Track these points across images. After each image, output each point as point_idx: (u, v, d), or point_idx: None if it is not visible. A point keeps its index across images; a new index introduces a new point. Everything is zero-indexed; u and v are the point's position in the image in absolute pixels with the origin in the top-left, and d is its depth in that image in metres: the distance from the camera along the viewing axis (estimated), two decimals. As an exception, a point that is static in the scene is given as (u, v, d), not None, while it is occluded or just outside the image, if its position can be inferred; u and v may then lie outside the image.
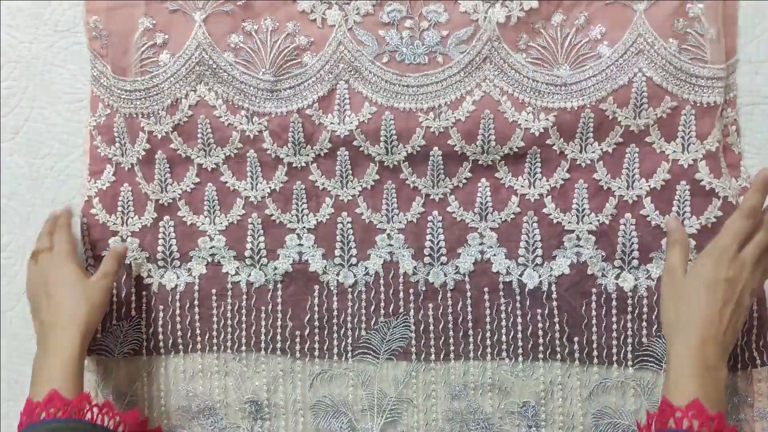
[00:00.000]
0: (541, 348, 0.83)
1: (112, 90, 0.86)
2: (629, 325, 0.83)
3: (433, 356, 0.85)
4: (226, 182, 0.87)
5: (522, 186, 0.84)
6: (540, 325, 0.84)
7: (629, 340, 0.82)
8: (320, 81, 0.84)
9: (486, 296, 0.84)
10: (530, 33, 0.83)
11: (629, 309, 0.83)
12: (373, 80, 0.84)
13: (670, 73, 0.81)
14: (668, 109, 0.81)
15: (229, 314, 0.87)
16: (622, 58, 0.81)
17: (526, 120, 0.82)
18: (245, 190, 0.87)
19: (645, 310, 0.82)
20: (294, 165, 0.86)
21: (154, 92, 0.85)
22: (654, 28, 0.81)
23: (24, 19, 0.90)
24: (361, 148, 0.84)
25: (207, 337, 0.87)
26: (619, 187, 0.83)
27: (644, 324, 0.82)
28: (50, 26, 0.90)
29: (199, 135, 0.86)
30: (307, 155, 0.85)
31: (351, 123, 0.84)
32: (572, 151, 0.83)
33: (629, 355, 0.82)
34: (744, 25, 0.84)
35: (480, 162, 0.84)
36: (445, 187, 0.85)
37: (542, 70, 0.82)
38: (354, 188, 0.86)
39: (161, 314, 0.87)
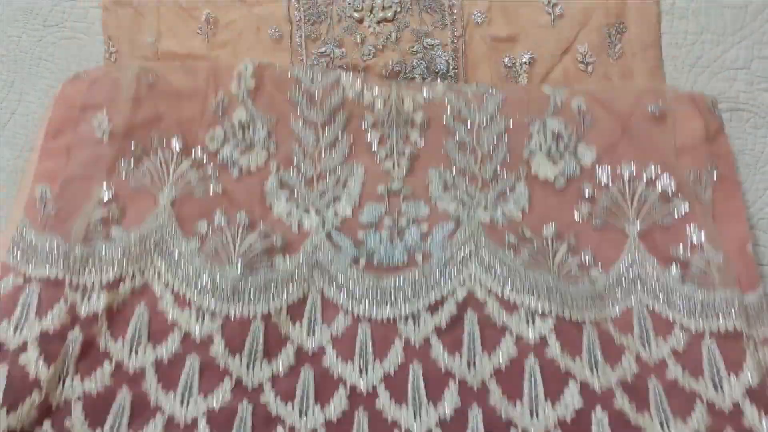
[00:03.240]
0: None
1: (36, 249, 0.72)
2: None
3: None
4: (147, 392, 0.70)
5: (524, 418, 0.68)
6: None
7: None
8: (291, 286, 0.74)
9: None
10: (517, 235, 0.75)
11: None
12: (348, 287, 0.74)
13: (674, 302, 0.72)
14: (683, 341, 0.71)
15: None
16: (619, 285, 0.74)
17: (517, 325, 0.71)
18: (170, 405, 0.70)
19: None
20: (244, 382, 0.71)
21: (92, 264, 0.72)
22: (651, 251, 0.74)
23: (13, 14, 0.91)
24: (329, 369, 0.72)
25: None
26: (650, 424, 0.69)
27: None
28: (39, 21, 0.91)
29: (131, 326, 0.71)
30: (262, 372, 0.71)
31: (322, 336, 0.72)
32: (580, 372, 0.69)
33: None
34: (723, 32, 0.85)
35: (468, 383, 0.70)
36: (429, 419, 0.69)
37: (534, 268, 0.73)
38: (316, 419, 0.70)
39: None
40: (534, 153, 0.78)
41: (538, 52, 0.84)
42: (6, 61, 0.91)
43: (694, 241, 0.74)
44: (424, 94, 0.80)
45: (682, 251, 0.74)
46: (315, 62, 0.84)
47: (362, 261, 0.75)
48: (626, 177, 0.76)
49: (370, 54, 0.84)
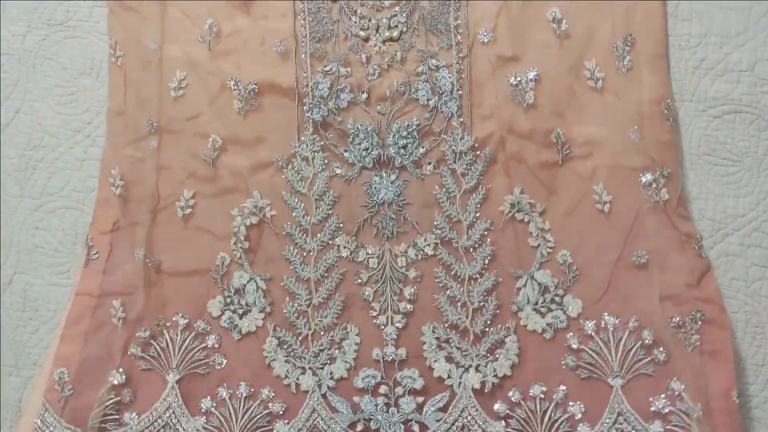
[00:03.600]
0: None
1: None
2: None
3: None
4: None
5: None
6: None
7: None
8: None
9: None
10: (508, 402, 0.79)
11: None
12: None
13: None
14: None
15: None
16: None
17: None
18: None
19: None
20: None
21: None
22: (634, 406, 0.77)
23: (17, 12, 0.91)
24: None
25: None
26: None
27: None
28: (43, 20, 0.91)
29: None
30: None
31: None
32: None
33: None
34: (727, 35, 0.85)
35: None
36: None
37: None
38: None
39: None
40: (522, 307, 0.81)
41: (544, 69, 0.83)
42: (10, 59, 0.91)
43: (675, 392, 0.77)
44: (417, 254, 0.82)
45: (663, 403, 0.77)
46: (320, 80, 0.83)
47: (359, 426, 0.79)
48: (610, 329, 0.79)
49: (374, 74, 0.83)
